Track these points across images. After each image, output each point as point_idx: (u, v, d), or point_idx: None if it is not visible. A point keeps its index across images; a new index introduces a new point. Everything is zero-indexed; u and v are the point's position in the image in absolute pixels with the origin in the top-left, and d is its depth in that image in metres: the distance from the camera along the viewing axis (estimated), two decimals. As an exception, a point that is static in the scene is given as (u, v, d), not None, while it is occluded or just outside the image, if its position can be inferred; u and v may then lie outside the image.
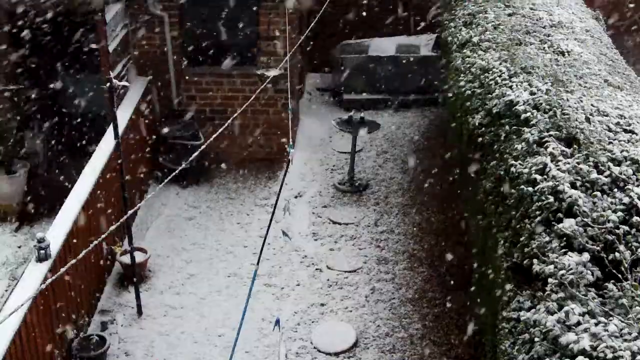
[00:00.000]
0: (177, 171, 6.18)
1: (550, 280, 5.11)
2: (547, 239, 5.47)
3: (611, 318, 4.62)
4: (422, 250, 10.45)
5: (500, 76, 8.00)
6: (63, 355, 8.08)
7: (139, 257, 9.56)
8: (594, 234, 5.32)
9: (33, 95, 11.63)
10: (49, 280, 4.57)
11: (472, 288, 7.93)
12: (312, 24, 10.26)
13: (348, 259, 10.28)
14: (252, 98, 8.36)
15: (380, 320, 9.17)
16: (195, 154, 6.38)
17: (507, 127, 7.18)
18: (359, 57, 14.53)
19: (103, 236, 4.95)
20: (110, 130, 9.15)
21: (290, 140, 9.01)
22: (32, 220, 10.85)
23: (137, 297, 9.17)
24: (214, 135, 6.62)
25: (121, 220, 5.08)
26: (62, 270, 4.53)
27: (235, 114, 7.59)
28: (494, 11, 10.10)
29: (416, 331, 9.00)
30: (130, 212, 5.72)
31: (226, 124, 6.86)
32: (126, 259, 9.42)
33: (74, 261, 4.65)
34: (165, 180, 5.88)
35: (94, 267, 9.13)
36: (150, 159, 11.78)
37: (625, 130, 6.64)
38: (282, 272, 10.04)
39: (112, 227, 4.93)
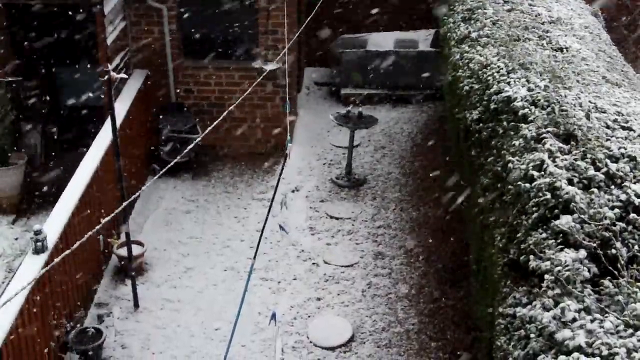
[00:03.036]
0: (172, 163, 6.16)
1: (546, 276, 5.11)
2: (544, 235, 5.47)
3: (607, 315, 4.63)
4: (418, 245, 10.46)
5: (498, 72, 8.00)
6: (59, 347, 8.08)
7: (136, 250, 9.56)
8: (590, 230, 5.33)
9: (31, 87, 11.60)
10: (47, 268, 4.56)
11: (469, 284, 7.94)
12: (310, 17, 10.25)
13: (345, 254, 10.29)
14: (247, 91, 8.34)
15: (376, 315, 9.18)
16: (190, 146, 6.37)
17: (504, 123, 7.19)
18: (357, 51, 14.52)
19: (97, 227, 4.94)
20: (107, 123, 9.14)
21: (288, 134, 9.01)
22: (29, 213, 10.84)
23: (134, 290, 9.17)
24: (209, 129, 6.61)
25: (116, 211, 5.06)
26: (58, 259, 4.52)
27: (230, 107, 7.57)
28: (493, 7, 10.10)
29: (412, 326, 9.02)
30: (125, 203, 5.70)
31: (221, 117, 6.84)
32: (123, 251, 9.41)
33: (69, 251, 4.64)
34: (160, 172, 5.86)
35: (90, 259, 9.12)
36: (147, 152, 11.78)
37: (623, 127, 6.64)
38: (279, 266, 10.04)
39: (107, 218, 4.91)
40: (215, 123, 6.63)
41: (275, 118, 12.42)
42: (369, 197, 11.64)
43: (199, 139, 6.73)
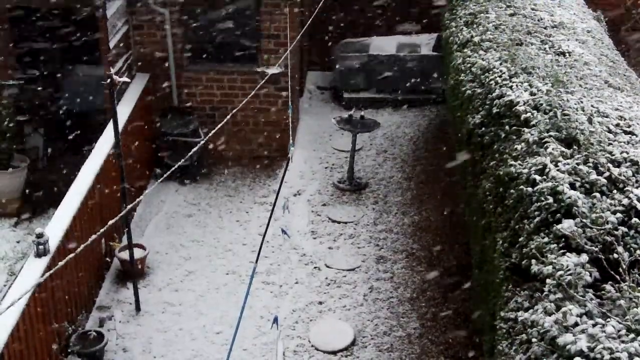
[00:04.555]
0: (175, 167, 6.17)
1: (548, 280, 5.11)
2: (546, 239, 5.47)
3: (609, 319, 4.62)
4: (421, 249, 10.45)
5: (500, 76, 7.99)
6: (61, 350, 8.08)
7: (138, 253, 9.56)
8: (592, 235, 5.32)
9: (33, 90, 11.61)
10: (49, 273, 4.56)
11: (471, 288, 7.93)
12: (311, 19, 10.27)
13: (347, 258, 10.28)
14: (250, 96, 8.36)
15: (378, 319, 9.17)
16: (194, 150, 6.38)
17: (507, 127, 7.18)
18: (359, 55, 14.53)
19: (101, 231, 4.95)
20: (110, 126, 9.14)
21: (291, 138, 9.02)
22: (31, 216, 10.84)
23: (136, 294, 9.17)
24: (212, 132, 6.62)
25: (119, 215, 5.07)
26: (61, 263, 4.53)
27: (234, 111, 7.57)
28: (495, 11, 10.10)
29: (414, 330, 9.01)
30: (128, 207, 5.71)
31: (224, 121, 6.85)
32: (125, 255, 9.42)
33: (72, 255, 4.64)
34: (164, 177, 5.87)
35: (92, 263, 9.12)
36: (150, 155, 11.78)
37: (625, 132, 6.64)
38: (281, 270, 10.04)
39: (111, 222, 4.92)
40: (217, 127, 6.64)
41: (277, 122, 12.42)
42: (371, 201, 11.63)
43: (202, 142, 6.73)
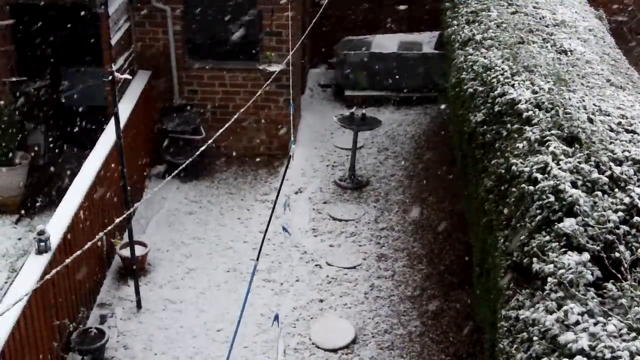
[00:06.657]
0: (182, 166, 6.17)
1: (549, 279, 5.10)
2: (547, 238, 5.46)
3: (610, 318, 4.61)
4: (421, 247, 10.45)
5: (502, 74, 7.99)
6: (62, 347, 8.08)
7: (139, 250, 9.57)
8: (594, 233, 5.32)
9: (35, 87, 11.61)
10: (51, 273, 4.56)
11: (472, 286, 7.92)
12: (315, 18, 10.26)
13: (348, 256, 10.28)
14: (257, 95, 8.34)
15: (379, 317, 9.18)
16: (202, 149, 6.38)
17: (508, 126, 7.18)
18: (361, 53, 14.52)
19: (107, 230, 4.95)
20: (111, 124, 9.15)
21: (292, 136, 9.02)
22: (32, 213, 10.85)
23: (137, 291, 9.17)
24: (219, 132, 6.61)
25: (124, 215, 5.08)
26: (65, 262, 4.53)
27: (240, 110, 7.56)
28: (497, 9, 10.09)
29: (415, 328, 9.01)
30: (133, 207, 5.72)
31: (231, 120, 6.84)
32: (126, 252, 9.42)
33: (76, 254, 4.64)
34: (170, 177, 5.87)
35: (93, 260, 9.13)
36: (151, 152, 11.78)
37: (627, 131, 6.63)
38: (282, 267, 10.04)
39: (117, 221, 4.92)
40: (224, 127, 6.63)
41: (278, 119, 12.42)
42: (372, 199, 11.63)
43: (209, 142, 6.71)
